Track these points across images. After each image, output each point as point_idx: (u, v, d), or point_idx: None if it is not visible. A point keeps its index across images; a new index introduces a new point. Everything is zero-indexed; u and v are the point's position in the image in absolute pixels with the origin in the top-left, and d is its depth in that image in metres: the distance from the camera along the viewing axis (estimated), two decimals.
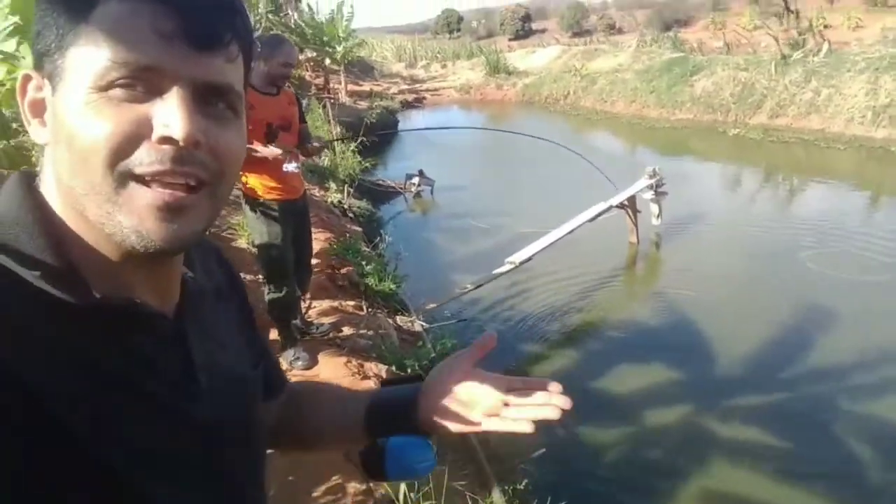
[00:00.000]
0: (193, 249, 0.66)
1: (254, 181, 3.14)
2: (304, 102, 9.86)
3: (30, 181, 0.54)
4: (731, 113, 13.45)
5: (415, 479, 0.65)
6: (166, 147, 0.49)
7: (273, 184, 3.15)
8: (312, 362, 3.31)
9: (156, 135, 0.49)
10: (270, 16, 13.77)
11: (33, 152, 2.17)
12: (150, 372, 0.54)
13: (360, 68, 21.88)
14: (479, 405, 0.71)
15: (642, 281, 6.40)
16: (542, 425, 0.70)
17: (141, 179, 0.50)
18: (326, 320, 3.86)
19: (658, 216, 6.89)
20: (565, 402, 0.70)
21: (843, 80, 12.11)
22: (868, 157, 10.28)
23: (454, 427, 0.72)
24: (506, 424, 0.70)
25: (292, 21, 14.96)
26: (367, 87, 19.25)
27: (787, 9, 15.12)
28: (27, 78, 0.53)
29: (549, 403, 0.69)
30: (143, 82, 0.49)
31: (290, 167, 3.10)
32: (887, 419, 3.74)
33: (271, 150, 3.02)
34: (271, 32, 10.31)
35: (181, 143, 0.49)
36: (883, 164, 9.84)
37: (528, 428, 0.68)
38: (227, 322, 0.70)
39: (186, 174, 0.51)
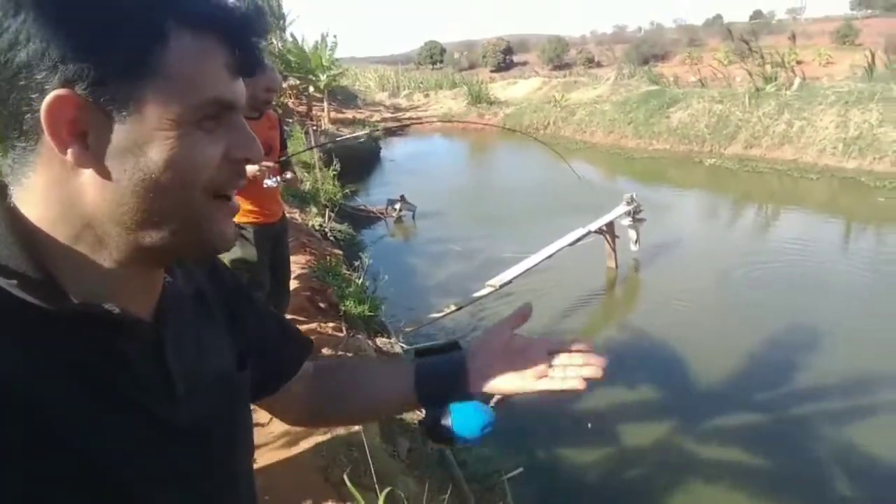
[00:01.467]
0: None
1: None
2: (287, 129, 9.92)
3: (2, 191, 0.54)
4: (706, 143, 13.75)
5: (478, 443, 0.71)
6: (241, 168, 0.58)
7: (249, 206, 3.08)
8: None
9: (240, 157, 0.57)
10: None
11: None
12: (128, 376, 0.55)
13: (344, 96, 22.09)
14: (527, 369, 0.76)
15: (621, 305, 6.45)
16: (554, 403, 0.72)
17: (224, 194, 0.57)
18: None
19: (636, 242, 6.99)
20: (602, 361, 0.74)
21: (815, 112, 12.48)
22: (840, 186, 10.54)
23: (509, 389, 0.77)
24: (556, 383, 0.75)
25: (276, 49, 15.10)
26: (350, 114, 19.41)
27: (750, 49, 15.61)
28: (67, 99, 0.49)
29: (590, 363, 0.74)
30: (220, 115, 0.55)
31: (270, 182, 3.04)
32: (864, 438, 3.79)
33: (249, 169, 3.02)
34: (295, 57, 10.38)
35: (255, 162, 0.59)
36: (854, 194, 10.10)
37: (579, 385, 0.73)
38: (209, 324, 0.71)
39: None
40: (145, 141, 0.51)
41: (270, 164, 3.05)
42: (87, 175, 0.52)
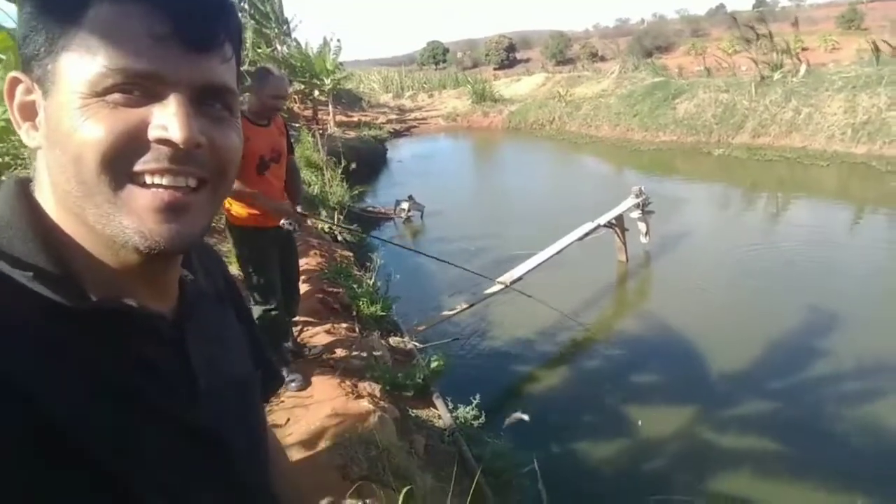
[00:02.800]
0: (193, 251, 0.66)
1: (237, 207, 3.08)
2: (294, 133, 9.96)
3: (24, 186, 0.54)
4: (713, 133, 13.68)
5: None
6: (165, 149, 0.50)
7: (256, 210, 3.08)
8: (306, 383, 3.29)
9: (154, 136, 0.49)
10: (259, 49, 13.97)
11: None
12: (148, 375, 0.53)
13: (348, 99, 22.13)
14: None
15: (633, 298, 6.43)
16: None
17: (139, 180, 0.50)
18: (319, 342, 3.85)
19: (646, 234, 6.97)
20: None
21: (822, 98, 12.38)
22: (850, 172, 10.46)
23: None
24: None
25: (281, 55, 15.16)
26: (355, 117, 19.45)
27: (757, 35, 15.47)
28: (16, 81, 0.52)
29: None
30: (140, 87, 0.49)
31: (286, 223, 3.09)
32: (884, 422, 3.77)
33: (276, 206, 3.03)
34: (260, 65, 10.45)
35: (181, 146, 0.49)
36: (865, 179, 10.01)
37: None
38: (228, 324, 0.70)
39: (187, 173, 0.51)
40: (58, 116, 0.49)
41: (297, 214, 3.16)
42: (43, 157, 0.52)
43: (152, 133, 0.49)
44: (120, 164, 0.49)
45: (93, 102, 0.48)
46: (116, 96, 0.48)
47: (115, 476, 0.48)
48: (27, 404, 0.44)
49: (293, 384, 3.24)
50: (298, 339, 3.80)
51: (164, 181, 0.50)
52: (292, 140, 3.45)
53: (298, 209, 3.33)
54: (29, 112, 0.52)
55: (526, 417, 2.27)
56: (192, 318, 0.60)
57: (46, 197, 0.53)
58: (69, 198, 0.50)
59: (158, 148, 0.49)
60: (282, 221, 3.07)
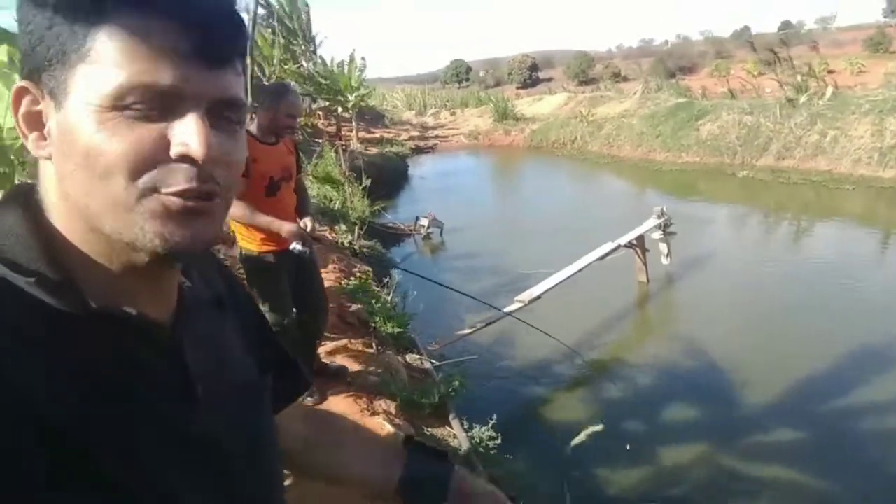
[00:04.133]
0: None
1: (245, 233, 2.95)
2: (316, 149, 10.08)
3: (29, 192, 0.54)
4: (737, 155, 13.56)
5: None
6: (185, 165, 0.50)
7: (267, 235, 2.94)
8: (322, 398, 3.28)
9: (175, 153, 0.49)
10: (286, 66, 14.20)
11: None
12: (146, 382, 0.54)
13: (371, 116, 22.36)
14: None
15: (654, 320, 6.35)
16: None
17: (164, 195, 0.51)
18: (337, 358, 3.84)
19: (667, 256, 6.90)
20: None
21: (849, 122, 12.22)
22: (878, 196, 10.28)
23: None
24: None
25: (307, 71, 15.38)
26: (377, 134, 19.63)
27: (778, 58, 15.40)
28: (23, 91, 0.52)
29: None
30: (159, 102, 0.49)
31: (298, 247, 2.87)
32: None
33: (288, 228, 2.84)
34: (278, 80, 10.58)
35: (201, 162, 0.50)
36: (892, 204, 9.83)
37: None
38: (229, 330, 0.70)
39: (206, 192, 0.52)
40: (73, 128, 0.49)
41: (299, 231, 2.93)
42: (54, 167, 0.52)
43: (174, 150, 0.49)
44: (145, 181, 0.49)
45: (111, 117, 0.48)
46: (135, 111, 0.48)
47: (113, 481, 0.48)
48: (27, 409, 0.44)
49: (308, 399, 3.23)
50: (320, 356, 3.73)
51: (187, 197, 0.51)
52: (314, 155, 3.38)
53: (313, 225, 3.14)
54: (35, 122, 0.52)
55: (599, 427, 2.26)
56: (190, 324, 0.60)
57: (52, 204, 0.53)
58: (86, 209, 0.51)
59: (180, 166, 0.50)
60: (292, 245, 2.88)
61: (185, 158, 0.50)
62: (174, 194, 0.50)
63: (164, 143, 0.49)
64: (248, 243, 2.97)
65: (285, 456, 0.81)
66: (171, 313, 0.59)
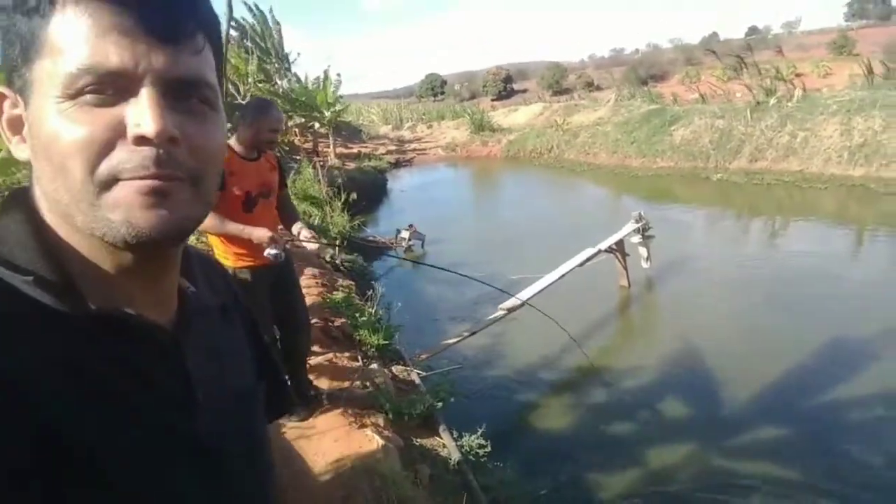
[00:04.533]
0: (196, 264, 0.66)
1: (220, 248, 2.89)
2: (294, 165, 10.05)
3: (25, 196, 0.54)
4: (710, 159, 13.78)
5: None
6: (144, 148, 0.48)
7: (242, 250, 2.88)
8: (307, 415, 3.23)
9: (130, 135, 0.48)
10: (260, 84, 14.16)
11: None
12: (146, 385, 0.53)
13: (348, 132, 22.36)
14: None
15: (636, 323, 6.40)
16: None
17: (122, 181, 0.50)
18: (323, 373, 3.80)
19: (647, 259, 6.97)
20: None
21: (818, 122, 12.51)
22: (848, 195, 10.50)
23: None
24: None
25: (281, 89, 15.36)
26: (355, 149, 19.63)
27: (744, 64, 15.79)
28: (2, 96, 0.53)
29: None
30: (111, 85, 0.48)
31: (272, 251, 2.78)
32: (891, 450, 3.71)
33: (259, 233, 2.76)
34: (256, 96, 10.55)
35: (155, 141, 0.48)
36: (863, 201, 10.05)
37: None
38: (232, 337, 0.70)
39: (166, 176, 0.50)
40: (37, 122, 0.49)
41: (279, 235, 2.86)
42: (33, 167, 0.52)
43: (130, 132, 0.48)
44: (103, 170, 0.48)
45: (67, 106, 0.48)
46: (89, 97, 0.48)
47: (113, 484, 0.48)
48: (25, 411, 0.44)
49: (293, 417, 3.17)
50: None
51: (147, 179, 0.50)
52: (292, 172, 3.30)
53: (305, 231, 3.05)
54: (17, 126, 0.52)
55: None
56: (191, 328, 0.60)
57: (42, 206, 0.53)
58: (58, 205, 0.50)
59: (139, 150, 0.49)
60: (266, 252, 2.79)
61: (141, 140, 0.48)
62: (132, 180, 0.49)
63: (121, 128, 0.48)
64: (224, 259, 2.90)
65: None
66: (172, 317, 0.59)
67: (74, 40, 0.47)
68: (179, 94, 0.51)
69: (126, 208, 0.49)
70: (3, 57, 0.51)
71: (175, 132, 0.49)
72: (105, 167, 0.48)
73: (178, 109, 0.50)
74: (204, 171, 0.54)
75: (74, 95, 0.47)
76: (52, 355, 0.47)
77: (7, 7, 0.49)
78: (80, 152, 0.48)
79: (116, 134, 0.48)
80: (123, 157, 0.48)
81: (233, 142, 2.92)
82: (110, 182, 0.49)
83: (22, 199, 0.54)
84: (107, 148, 0.48)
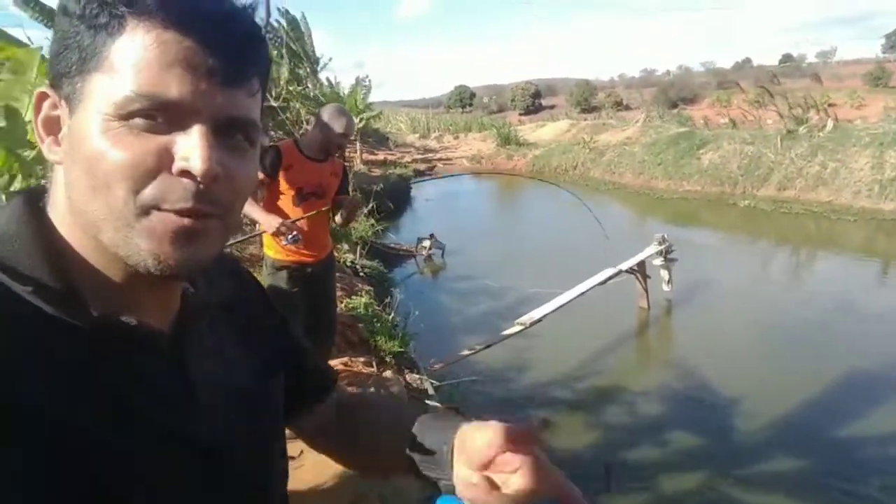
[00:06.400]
0: None
1: (267, 239, 3.06)
2: None
3: (36, 199, 0.54)
4: (738, 185, 13.64)
5: None
6: (187, 181, 0.49)
7: (286, 246, 3.01)
8: None
9: (176, 168, 0.49)
10: (290, 87, 14.33)
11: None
12: (147, 390, 0.53)
13: (376, 138, 22.53)
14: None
15: (654, 346, 6.33)
16: None
17: (161, 210, 0.50)
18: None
19: (668, 282, 6.90)
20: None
21: (849, 154, 12.33)
22: (878, 228, 10.32)
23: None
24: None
25: (311, 93, 15.53)
26: (381, 156, 19.76)
27: (770, 94, 15.65)
28: (43, 95, 0.53)
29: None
30: (165, 115, 0.49)
31: (287, 241, 2.92)
32: None
33: (268, 222, 2.89)
34: (283, 100, 10.69)
35: (200, 179, 0.49)
36: (892, 235, 9.87)
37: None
38: (234, 337, 0.69)
39: (203, 212, 0.51)
40: (81, 134, 0.49)
41: (279, 221, 2.94)
42: (63, 173, 0.52)
43: (177, 165, 0.49)
44: (147, 195, 0.49)
45: (116, 126, 0.48)
46: (139, 121, 0.48)
47: (112, 490, 0.47)
48: (25, 418, 0.44)
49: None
50: None
51: (184, 213, 0.50)
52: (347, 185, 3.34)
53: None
54: (53, 127, 0.53)
55: None
56: (193, 331, 0.60)
57: (59, 210, 0.53)
58: (87, 216, 0.50)
59: (182, 182, 0.49)
60: (282, 241, 2.93)
61: (185, 174, 0.49)
62: (172, 212, 0.49)
63: (167, 157, 0.49)
64: (268, 249, 3.09)
65: (335, 449, 0.82)
66: (173, 320, 0.59)
67: (138, 65, 0.48)
68: (227, 132, 0.52)
69: (158, 241, 0.50)
70: (55, 59, 0.51)
71: (220, 171, 0.50)
72: (149, 193, 0.49)
73: (222, 146, 0.51)
74: (235, 206, 0.55)
75: (126, 117, 0.48)
76: (51, 363, 0.47)
77: (72, 14, 0.49)
78: (124, 175, 0.48)
79: (161, 162, 0.49)
80: (165, 186, 0.49)
81: (302, 139, 3.09)
82: (150, 207, 0.49)
83: (32, 201, 0.54)
84: (151, 175, 0.49)
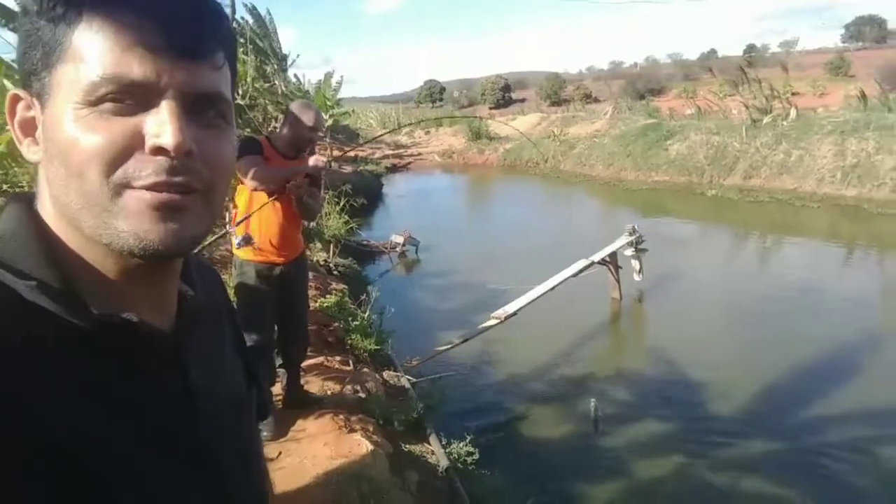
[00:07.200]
0: (194, 268, 0.66)
1: (242, 251, 2.98)
2: None
3: (29, 200, 0.54)
4: (705, 174, 13.88)
5: None
6: (160, 158, 0.49)
7: (263, 247, 2.95)
8: (280, 434, 3.03)
9: (148, 146, 0.49)
10: (257, 84, 14.14)
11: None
12: (147, 390, 0.53)
13: (345, 135, 22.35)
14: None
15: (627, 336, 6.43)
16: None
17: (136, 189, 0.50)
18: (314, 376, 3.79)
19: (639, 272, 6.99)
20: None
21: (812, 142, 12.63)
22: (842, 214, 10.60)
23: None
24: None
25: (279, 90, 15.34)
26: (351, 152, 19.61)
27: (747, 79, 15.92)
28: (16, 98, 0.53)
29: None
30: (132, 96, 0.49)
31: (238, 240, 2.91)
32: (886, 464, 3.74)
33: (311, 162, 2.95)
34: (251, 98, 10.54)
35: (172, 153, 0.49)
36: (856, 221, 10.15)
37: None
38: (225, 342, 0.70)
39: (180, 184, 0.51)
40: (54, 126, 0.50)
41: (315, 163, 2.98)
42: (43, 171, 0.52)
43: (148, 143, 0.49)
44: (119, 175, 0.49)
45: (86, 113, 0.48)
46: (109, 105, 0.48)
47: (113, 489, 0.47)
48: (26, 417, 0.44)
49: (265, 432, 2.94)
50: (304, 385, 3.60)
51: (160, 189, 0.50)
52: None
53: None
54: (30, 128, 0.53)
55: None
56: (191, 333, 0.60)
57: (48, 210, 0.53)
58: (68, 209, 0.51)
59: (154, 159, 0.49)
60: (235, 242, 2.94)
61: (158, 150, 0.49)
62: (145, 188, 0.49)
63: (139, 137, 0.49)
64: (237, 249, 3.01)
65: None
66: (171, 321, 0.59)
67: (99, 50, 0.48)
68: (197, 108, 0.52)
69: (136, 220, 0.50)
70: (22, 59, 0.51)
71: (192, 145, 0.50)
72: (121, 173, 0.49)
73: (195, 123, 0.51)
74: (216, 184, 0.54)
75: (95, 103, 0.48)
76: (52, 361, 0.47)
77: (31, 11, 0.49)
78: (97, 158, 0.48)
79: (134, 143, 0.49)
80: (139, 165, 0.49)
81: (273, 136, 3.06)
82: (122, 187, 0.49)
83: (25, 203, 0.54)
84: (124, 156, 0.49)
